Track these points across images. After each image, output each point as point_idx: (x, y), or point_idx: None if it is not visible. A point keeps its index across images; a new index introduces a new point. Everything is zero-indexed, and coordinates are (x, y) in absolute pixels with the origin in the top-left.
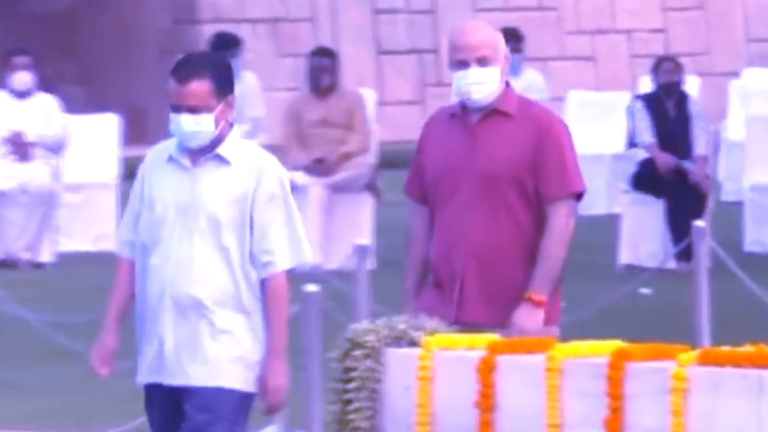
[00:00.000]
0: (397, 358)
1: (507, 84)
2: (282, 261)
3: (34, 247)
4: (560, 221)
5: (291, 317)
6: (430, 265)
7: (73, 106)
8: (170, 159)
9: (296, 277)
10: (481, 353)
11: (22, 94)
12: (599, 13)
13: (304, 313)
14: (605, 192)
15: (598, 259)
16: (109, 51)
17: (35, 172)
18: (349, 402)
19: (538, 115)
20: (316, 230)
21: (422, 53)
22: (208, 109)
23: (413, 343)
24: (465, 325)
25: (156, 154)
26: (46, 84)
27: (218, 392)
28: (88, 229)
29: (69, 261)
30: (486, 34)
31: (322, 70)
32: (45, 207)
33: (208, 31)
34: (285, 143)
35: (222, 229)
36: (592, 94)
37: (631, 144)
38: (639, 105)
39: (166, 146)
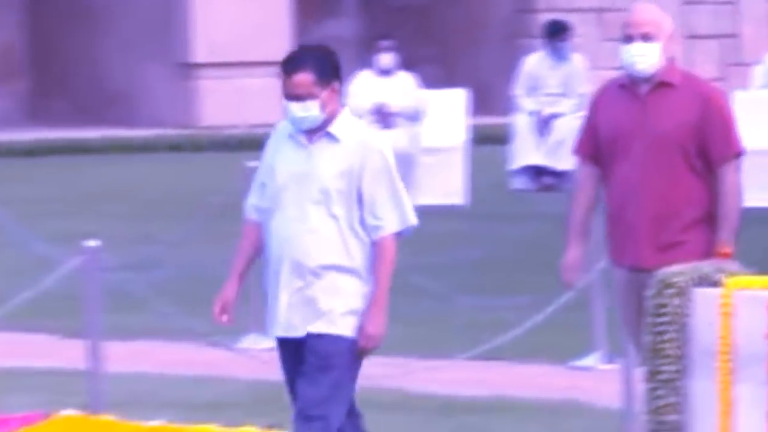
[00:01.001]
0: (703, 296)
1: (672, 60)
2: (389, 225)
3: None
4: (732, 179)
5: None
6: (607, 214)
7: (429, 82)
8: (290, 136)
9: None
10: None
11: (385, 72)
12: None
13: None
14: None
15: None
16: (460, 37)
17: (396, 138)
18: (661, 333)
19: (701, 86)
20: None
21: (723, 38)
22: (313, 97)
23: (716, 284)
24: (630, 268)
25: (279, 131)
26: (406, 64)
27: (333, 339)
28: (441, 185)
29: (425, 212)
30: (651, 13)
31: None
32: (405, 167)
33: (543, 18)
34: None
35: (332, 198)
36: None
37: None
38: None
39: (287, 125)
